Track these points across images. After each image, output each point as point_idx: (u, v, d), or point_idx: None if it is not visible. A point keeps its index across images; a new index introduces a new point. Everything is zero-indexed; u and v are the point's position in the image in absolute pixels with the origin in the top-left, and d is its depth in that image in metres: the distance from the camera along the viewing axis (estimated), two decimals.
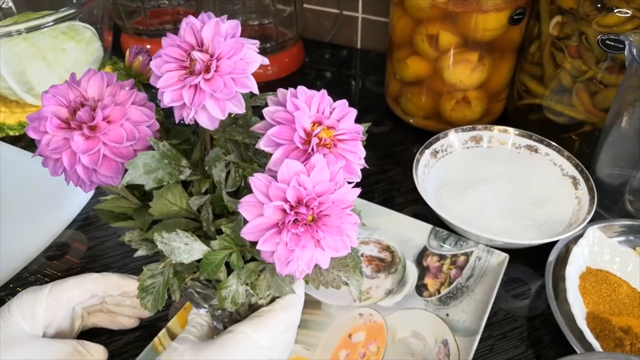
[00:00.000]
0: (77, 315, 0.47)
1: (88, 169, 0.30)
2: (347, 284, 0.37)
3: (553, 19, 0.64)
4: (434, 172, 0.66)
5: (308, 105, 0.33)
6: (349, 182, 0.32)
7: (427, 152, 0.66)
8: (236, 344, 0.37)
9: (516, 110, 0.76)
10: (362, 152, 0.34)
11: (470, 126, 0.70)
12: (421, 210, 0.65)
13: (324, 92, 0.33)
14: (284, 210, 0.30)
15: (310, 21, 1.02)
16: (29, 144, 0.75)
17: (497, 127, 0.70)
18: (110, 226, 0.59)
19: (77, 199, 0.65)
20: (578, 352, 0.46)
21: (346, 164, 0.33)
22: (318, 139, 0.32)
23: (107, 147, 0.30)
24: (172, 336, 0.50)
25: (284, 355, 0.41)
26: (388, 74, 0.80)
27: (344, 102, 0.34)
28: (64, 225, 0.63)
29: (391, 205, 0.65)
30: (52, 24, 0.70)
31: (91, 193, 0.66)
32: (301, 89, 0.33)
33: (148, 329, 0.52)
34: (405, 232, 0.61)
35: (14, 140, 0.76)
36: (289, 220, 0.29)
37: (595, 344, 0.46)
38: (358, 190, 0.32)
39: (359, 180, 0.34)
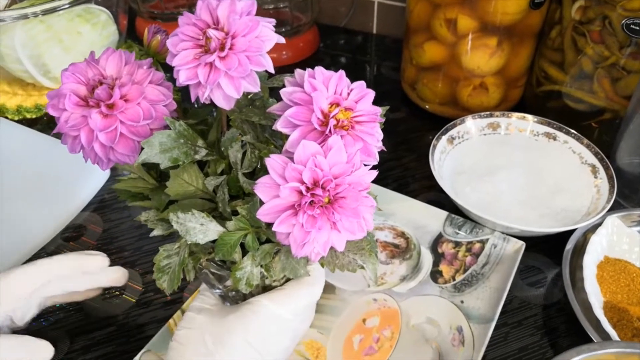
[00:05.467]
0: (32, 305, 0.44)
1: (105, 146, 0.30)
2: (362, 267, 0.36)
3: (576, 2, 0.62)
4: (450, 158, 0.65)
5: (326, 86, 0.32)
6: (366, 165, 0.32)
7: (444, 138, 0.66)
8: (256, 316, 0.36)
9: (535, 97, 0.75)
10: (380, 135, 0.34)
11: (487, 113, 0.69)
12: (436, 197, 0.64)
13: (342, 73, 0.33)
14: (300, 192, 0.29)
15: (326, 6, 1.01)
16: (46, 127, 0.76)
17: (515, 114, 0.69)
18: (125, 209, 0.59)
19: (93, 182, 0.65)
20: (595, 340, 0.46)
21: (364, 146, 0.33)
22: (335, 121, 0.32)
23: (124, 126, 0.30)
24: None
25: (306, 325, 0.41)
26: (404, 59, 0.79)
27: (361, 84, 0.34)
28: (80, 208, 0.63)
29: (406, 191, 0.65)
30: (68, 6, 0.70)
31: (107, 176, 0.67)
32: (319, 69, 0.33)
33: (163, 311, 0.52)
34: (420, 219, 0.60)
35: (31, 123, 0.77)
36: (305, 202, 0.29)
37: (613, 333, 0.46)
38: (375, 173, 0.32)
39: (376, 162, 0.34)
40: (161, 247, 0.36)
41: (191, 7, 0.94)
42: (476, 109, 0.73)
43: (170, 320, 0.50)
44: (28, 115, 0.78)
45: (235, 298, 0.42)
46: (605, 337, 0.46)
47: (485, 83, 0.71)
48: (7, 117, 0.77)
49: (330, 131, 0.31)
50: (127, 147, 0.30)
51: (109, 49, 0.32)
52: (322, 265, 0.36)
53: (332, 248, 0.31)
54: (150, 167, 0.36)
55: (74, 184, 0.64)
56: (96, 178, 0.65)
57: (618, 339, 0.46)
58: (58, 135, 0.32)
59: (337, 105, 0.32)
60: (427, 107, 0.77)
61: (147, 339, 0.48)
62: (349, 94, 0.33)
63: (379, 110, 0.34)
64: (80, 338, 0.50)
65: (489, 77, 0.71)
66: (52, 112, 0.30)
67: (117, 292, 0.54)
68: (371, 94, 0.33)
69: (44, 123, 0.77)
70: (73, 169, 0.65)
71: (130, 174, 0.36)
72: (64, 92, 0.30)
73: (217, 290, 0.41)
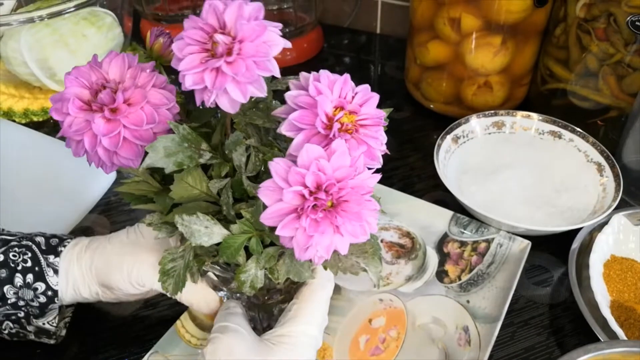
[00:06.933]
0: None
1: (109, 151, 0.30)
2: (365, 270, 0.36)
3: (580, 0, 0.62)
4: (455, 158, 0.65)
5: (330, 89, 0.32)
6: (369, 168, 0.32)
7: (449, 137, 0.65)
8: (296, 347, 0.37)
9: (539, 96, 0.75)
10: (384, 138, 0.34)
11: (492, 111, 0.69)
12: (441, 197, 0.64)
13: (347, 76, 0.33)
14: (303, 196, 0.29)
15: (329, 6, 1.00)
16: (52, 130, 0.76)
17: (520, 113, 0.69)
18: (131, 211, 0.59)
19: (100, 184, 0.66)
20: (602, 340, 0.46)
21: (367, 149, 0.33)
22: (340, 124, 0.31)
23: (128, 130, 0.30)
24: (194, 319, 0.50)
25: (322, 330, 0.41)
26: (408, 58, 0.79)
27: (366, 87, 0.34)
28: (87, 210, 0.64)
29: (411, 191, 0.65)
30: (73, 9, 0.71)
31: (113, 178, 0.67)
32: (324, 72, 0.33)
33: (170, 312, 0.52)
34: (426, 219, 0.60)
35: (37, 126, 0.77)
36: (308, 206, 0.29)
37: (620, 332, 0.46)
38: (378, 176, 0.32)
39: (380, 166, 0.34)
40: (165, 250, 0.36)
41: (195, 8, 0.94)
42: (481, 107, 0.73)
43: (177, 322, 0.50)
44: (35, 119, 0.78)
45: (240, 300, 0.42)
46: (612, 336, 0.46)
47: (489, 82, 0.71)
48: (14, 120, 0.77)
49: (334, 135, 0.31)
50: (130, 152, 0.31)
51: (112, 52, 0.32)
52: (325, 268, 0.36)
53: (335, 251, 0.31)
54: (153, 170, 0.36)
55: (80, 186, 0.64)
56: (103, 180, 0.66)
57: (625, 338, 0.46)
58: (63, 138, 0.32)
59: (342, 108, 0.32)
60: (431, 106, 0.77)
61: (155, 340, 0.49)
62: (353, 97, 0.33)
63: (383, 113, 0.34)
64: (88, 339, 0.50)
65: (494, 76, 0.70)
66: (55, 116, 0.31)
67: None
68: (375, 97, 0.33)
69: (51, 126, 0.78)
70: (80, 172, 0.65)
71: (135, 176, 0.37)
72: (67, 97, 0.30)
73: (222, 293, 0.41)
